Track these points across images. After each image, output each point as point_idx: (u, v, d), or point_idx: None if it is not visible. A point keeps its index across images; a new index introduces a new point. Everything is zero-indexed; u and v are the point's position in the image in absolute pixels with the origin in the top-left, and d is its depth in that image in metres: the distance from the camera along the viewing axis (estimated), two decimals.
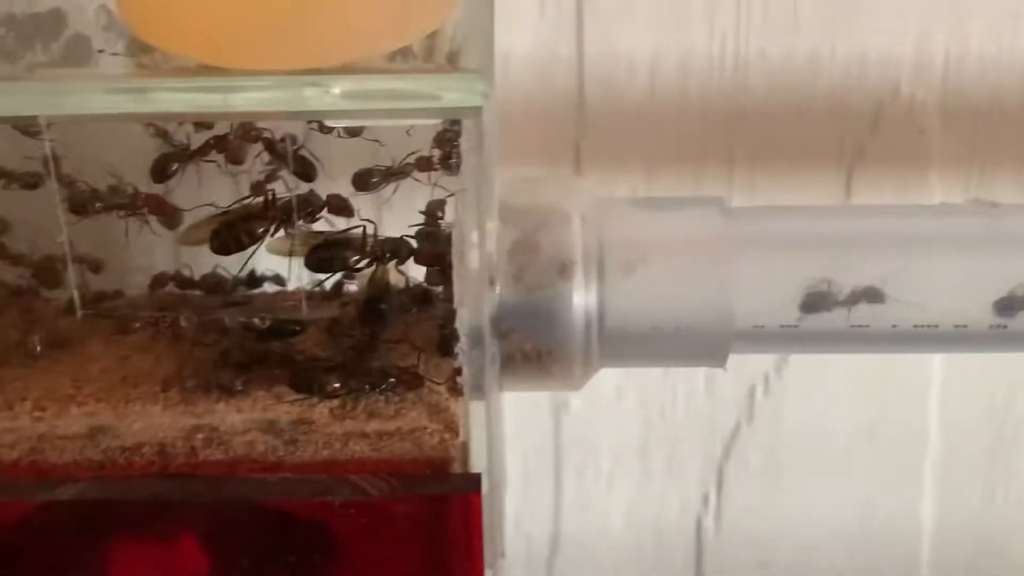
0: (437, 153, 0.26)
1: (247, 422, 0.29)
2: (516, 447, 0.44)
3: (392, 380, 0.29)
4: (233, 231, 0.28)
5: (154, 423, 0.29)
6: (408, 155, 0.27)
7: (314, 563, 0.30)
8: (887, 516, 0.46)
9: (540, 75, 0.39)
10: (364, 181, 0.28)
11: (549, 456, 0.44)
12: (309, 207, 0.28)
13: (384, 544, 0.30)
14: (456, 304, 0.28)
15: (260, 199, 0.28)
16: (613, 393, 0.43)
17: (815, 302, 0.30)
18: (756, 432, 0.44)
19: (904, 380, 0.43)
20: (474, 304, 0.28)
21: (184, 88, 0.25)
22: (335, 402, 0.29)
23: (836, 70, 0.38)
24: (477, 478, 0.29)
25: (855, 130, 0.39)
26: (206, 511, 0.29)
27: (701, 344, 0.30)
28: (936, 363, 0.43)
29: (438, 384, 0.29)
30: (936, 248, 0.31)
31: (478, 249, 0.27)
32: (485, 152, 0.26)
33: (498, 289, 0.28)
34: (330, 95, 0.25)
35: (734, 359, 0.42)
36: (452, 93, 0.25)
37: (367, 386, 0.29)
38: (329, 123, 0.26)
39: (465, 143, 0.26)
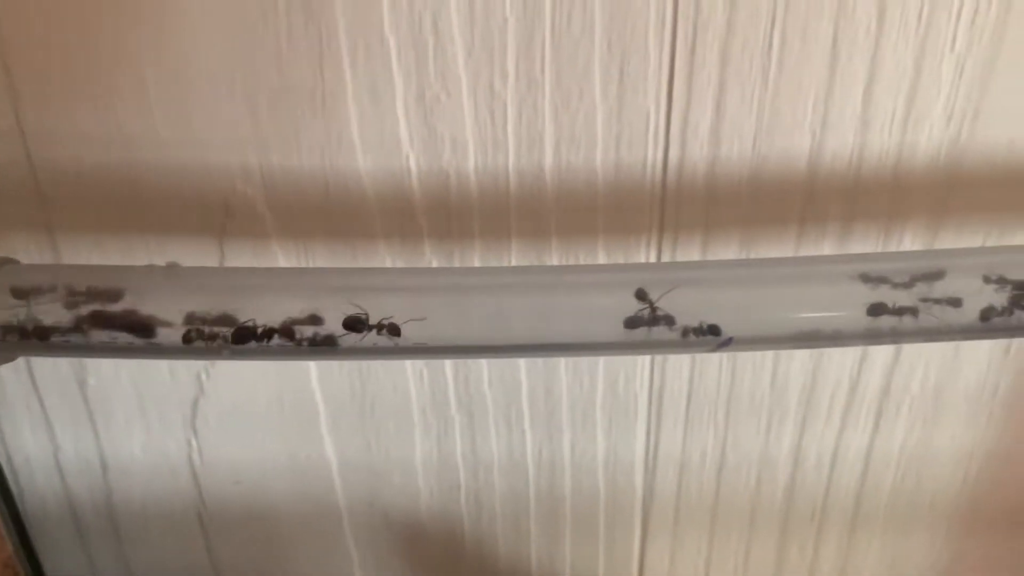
0: None
1: None
2: (65, 405, 0.46)
3: None
4: None
5: None
6: None
7: None
8: (303, 456, 0.48)
9: None
10: None
11: (84, 411, 0.46)
12: None
13: None
14: None
15: None
16: (113, 372, 0.45)
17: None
18: (208, 401, 0.46)
19: (294, 372, 0.45)
20: None
21: None
22: None
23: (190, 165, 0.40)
24: None
25: (218, 215, 0.41)
26: None
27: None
28: (312, 365, 0.44)
29: None
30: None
31: None
32: None
33: None
34: None
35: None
36: None
37: None
38: None
39: None
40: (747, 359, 0.44)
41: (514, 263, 0.42)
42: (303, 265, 0.42)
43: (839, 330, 0.34)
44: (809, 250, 0.41)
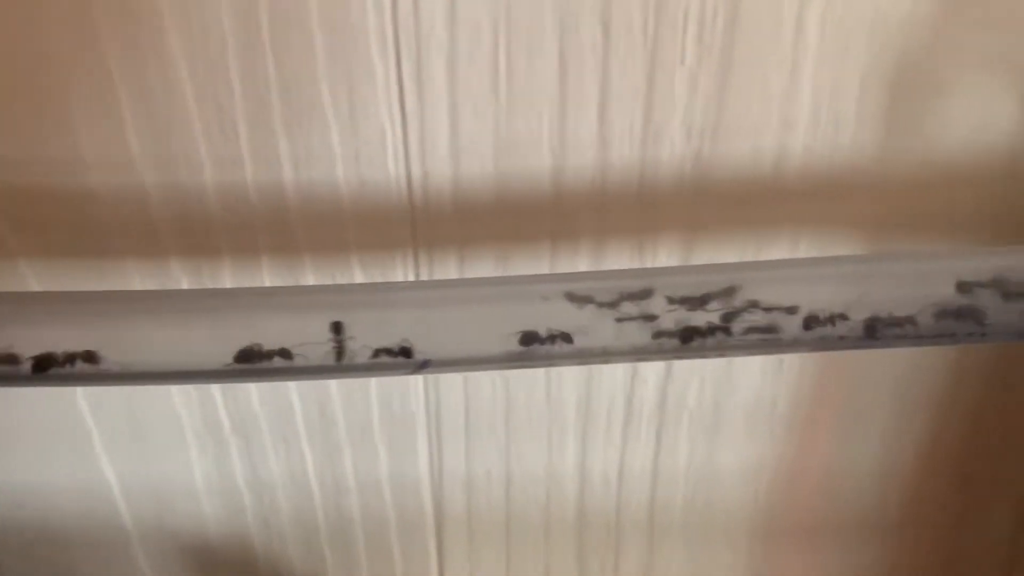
0: None
1: None
2: None
3: None
4: None
5: None
6: None
7: None
8: (83, 478, 0.47)
9: None
10: None
11: None
12: None
13: None
14: None
15: None
16: None
17: None
18: None
19: (60, 393, 0.44)
20: None
21: None
22: None
23: None
24: None
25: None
26: None
27: None
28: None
29: None
30: None
31: None
32: None
33: None
34: None
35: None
36: None
37: None
38: None
39: None
40: (520, 373, 0.44)
41: (267, 281, 0.41)
42: (53, 287, 0.41)
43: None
44: (564, 266, 0.41)
